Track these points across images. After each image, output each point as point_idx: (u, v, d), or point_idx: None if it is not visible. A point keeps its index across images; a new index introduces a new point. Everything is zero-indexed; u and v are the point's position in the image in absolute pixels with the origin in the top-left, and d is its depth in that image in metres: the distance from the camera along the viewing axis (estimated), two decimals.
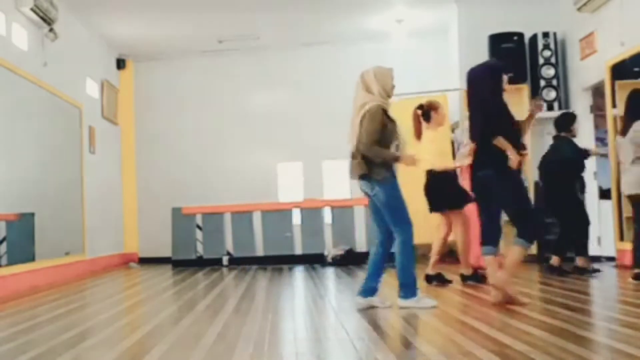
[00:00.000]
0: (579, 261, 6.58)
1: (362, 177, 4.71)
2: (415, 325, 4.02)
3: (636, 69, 7.40)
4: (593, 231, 7.04)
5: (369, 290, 4.77)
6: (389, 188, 4.66)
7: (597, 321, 4.09)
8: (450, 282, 6.10)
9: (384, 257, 4.83)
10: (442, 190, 6.07)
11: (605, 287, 5.50)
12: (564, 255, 6.62)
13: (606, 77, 7.65)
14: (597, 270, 6.48)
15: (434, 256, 6.19)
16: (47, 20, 7.65)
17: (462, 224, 6.09)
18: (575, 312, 4.28)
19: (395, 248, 4.70)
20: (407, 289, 4.69)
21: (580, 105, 8.44)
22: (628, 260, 6.92)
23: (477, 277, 6.08)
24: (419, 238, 6.14)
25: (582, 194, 6.94)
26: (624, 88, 7.36)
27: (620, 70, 7.48)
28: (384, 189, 4.64)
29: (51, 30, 7.84)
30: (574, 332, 3.59)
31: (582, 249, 6.63)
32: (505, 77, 4.80)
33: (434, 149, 6.05)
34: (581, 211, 6.72)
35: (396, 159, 4.70)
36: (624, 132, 5.93)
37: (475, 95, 4.84)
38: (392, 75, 4.84)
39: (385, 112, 4.70)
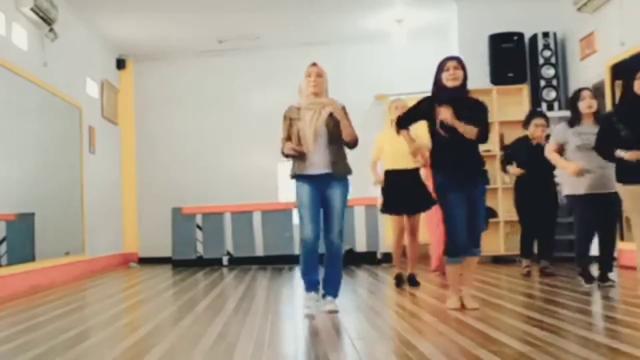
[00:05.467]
0: (543, 263, 6.60)
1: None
2: (415, 325, 4.02)
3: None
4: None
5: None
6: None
7: (597, 321, 4.09)
8: (419, 284, 6.03)
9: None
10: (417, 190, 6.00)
11: (604, 287, 5.49)
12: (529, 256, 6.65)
13: (606, 77, 7.66)
14: (556, 275, 6.45)
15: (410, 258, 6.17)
16: (47, 20, 7.65)
17: (418, 228, 6.12)
18: (575, 312, 4.29)
19: (339, 250, 4.68)
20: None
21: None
22: (628, 260, 6.92)
23: (414, 281, 6.05)
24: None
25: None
26: None
27: (620, 70, 7.47)
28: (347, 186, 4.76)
29: (51, 30, 7.84)
30: (574, 332, 3.59)
31: (547, 250, 6.63)
32: (443, 73, 4.79)
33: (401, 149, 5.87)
34: (552, 212, 6.68)
35: None
36: None
37: None
38: (308, 72, 4.86)
39: None
